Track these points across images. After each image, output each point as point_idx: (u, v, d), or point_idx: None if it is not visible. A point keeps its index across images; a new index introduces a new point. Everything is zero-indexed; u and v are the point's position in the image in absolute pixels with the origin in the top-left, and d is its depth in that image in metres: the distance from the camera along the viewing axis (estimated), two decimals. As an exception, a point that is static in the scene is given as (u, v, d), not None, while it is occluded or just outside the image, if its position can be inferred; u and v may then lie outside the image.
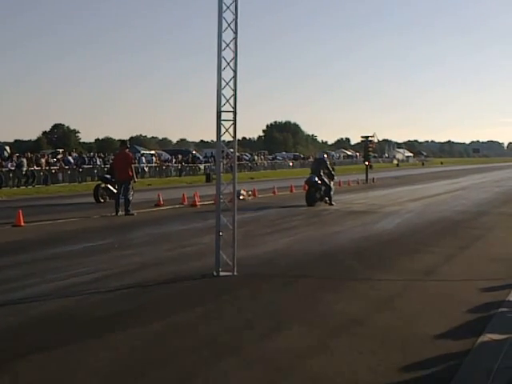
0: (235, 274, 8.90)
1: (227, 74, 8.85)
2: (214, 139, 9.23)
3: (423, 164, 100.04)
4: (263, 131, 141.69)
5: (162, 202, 20.68)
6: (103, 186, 21.38)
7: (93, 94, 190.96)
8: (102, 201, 21.29)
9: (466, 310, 7.00)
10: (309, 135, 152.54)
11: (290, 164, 71.20)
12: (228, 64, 8.85)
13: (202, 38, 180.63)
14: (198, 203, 20.48)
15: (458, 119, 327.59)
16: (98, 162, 40.99)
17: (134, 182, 18.68)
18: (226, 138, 9.12)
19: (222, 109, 8.86)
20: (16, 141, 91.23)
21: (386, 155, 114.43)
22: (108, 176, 21.12)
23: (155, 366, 5.15)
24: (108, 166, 31.44)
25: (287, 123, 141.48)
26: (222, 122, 8.91)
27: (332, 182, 21.29)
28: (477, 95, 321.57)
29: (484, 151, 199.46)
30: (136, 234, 13.87)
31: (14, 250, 11.28)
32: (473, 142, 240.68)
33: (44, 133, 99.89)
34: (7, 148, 45.81)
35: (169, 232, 14.21)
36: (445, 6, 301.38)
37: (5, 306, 7.22)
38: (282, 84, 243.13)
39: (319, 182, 20.59)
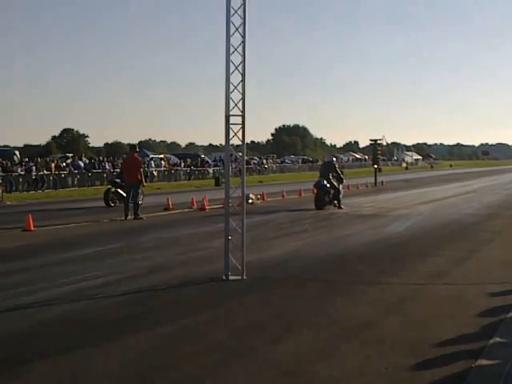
0: (244, 277, 8.89)
1: (235, 78, 8.89)
2: (223, 143, 9.25)
3: (432, 167, 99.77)
4: (272, 135, 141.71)
5: (171, 206, 20.71)
6: (113, 190, 21.48)
7: (102, 98, 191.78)
8: (113, 205, 21.39)
9: (476, 313, 6.96)
10: (317, 138, 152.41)
11: (299, 167, 71.16)
12: (236, 68, 8.87)
13: (211, 42, 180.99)
14: (206, 207, 20.52)
15: (467, 121, 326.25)
16: (107, 167, 41.16)
17: (143, 186, 18.74)
18: (235, 141, 9.15)
19: (231, 113, 8.88)
20: (26, 145, 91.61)
21: (395, 158, 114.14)
22: (118, 180, 21.20)
23: (164, 370, 5.15)
24: (117, 170, 31.59)
25: (295, 126, 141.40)
26: (231, 125, 8.93)
27: (341, 186, 21.25)
28: (486, 97, 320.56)
29: (493, 154, 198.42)
30: (145, 238, 13.89)
31: (24, 255, 11.32)
32: (482, 144, 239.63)
33: (53, 137, 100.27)
34: (17, 153, 46.05)
35: (178, 236, 14.24)
36: (452, 3, 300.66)
37: (15, 310, 7.26)
38: (291, 87, 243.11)
39: (328, 185, 20.56)
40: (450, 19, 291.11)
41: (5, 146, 57.10)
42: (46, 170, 35.62)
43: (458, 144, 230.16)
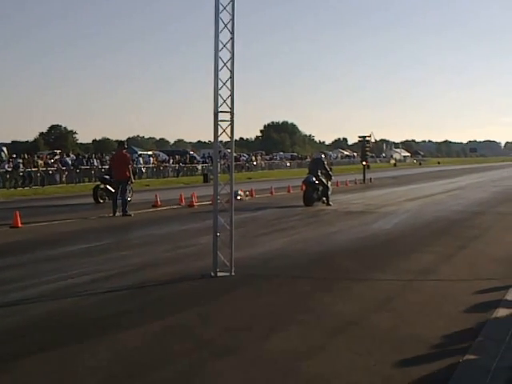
0: (233, 274, 8.89)
1: (224, 75, 8.86)
2: (212, 140, 9.23)
3: (420, 164, 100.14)
4: (260, 131, 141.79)
5: (159, 203, 20.67)
6: (102, 186, 21.42)
7: (90, 94, 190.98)
8: (102, 201, 21.35)
9: (463, 310, 7.01)
10: (306, 135, 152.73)
11: (288, 164, 71.21)
12: (225, 64, 8.85)
13: (199, 38, 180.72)
14: (195, 204, 20.48)
15: (455, 118, 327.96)
16: (96, 163, 40.97)
17: (132, 182, 18.68)
18: (224, 138, 9.12)
19: (220, 109, 8.86)
20: (13, 142, 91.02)
21: (384, 155, 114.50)
22: (107, 177, 21.11)
23: (153, 367, 5.15)
24: (106, 166, 31.47)
25: (284, 123, 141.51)
26: (220, 122, 8.91)
27: (329, 182, 21.29)
28: (474, 94, 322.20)
29: (481, 151, 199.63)
30: (133, 235, 13.87)
31: (12, 251, 11.26)
32: (470, 141, 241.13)
33: (41, 134, 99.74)
34: (4, 149, 45.80)
35: (166, 233, 14.21)
36: (436, 1, 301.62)
37: (3, 307, 7.22)
38: (280, 84, 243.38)
39: (317, 182, 20.59)
40: (442, 22, 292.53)
41: (-8, 143, 56.75)
42: (34, 167, 35.39)
43: (446, 141, 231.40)
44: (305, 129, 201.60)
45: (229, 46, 8.83)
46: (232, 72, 8.87)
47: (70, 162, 39.31)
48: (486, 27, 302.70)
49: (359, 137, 38.24)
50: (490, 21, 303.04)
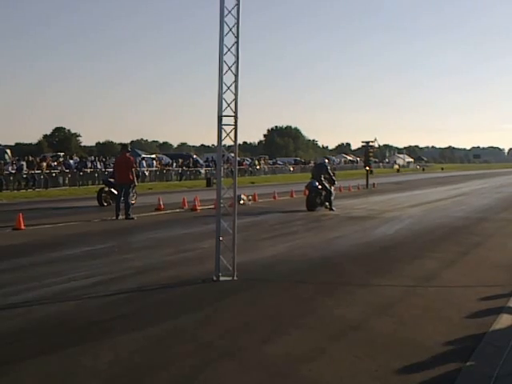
0: (235, 278, 8.89)
1: (228, 79, 8.88)
2: (215, 143, 9.23)
3: (424, 169, 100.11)
4: (264, 136, 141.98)
5: (162, 206, 20.69)
6: (107, 189, 21.47)
7: (94, 97, 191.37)
8: (106, 204, 21.41)
9: (465, 316, 6.99)
10: (309, 140, 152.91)
11: (291, 169, 71.20)
12: (229, 68, 8.86)
13: (205, 43, 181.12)
14: (198, 207, 20.49)
15: (459, 124, 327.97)
16: (99, 166, 41.03)
17: (135, 185, 18.69)
18: (227, 142, 9.13)
19: (223, 113, 8.86)
20: (17, 144, 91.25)
21: (387, 160, 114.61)
22: (112, 180, 21.15)
23: (154, 370, 5.14)
24: (110, 169, 31.53)
25: (288, 128, 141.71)
26: (223, 126, 8.91)
27: (333, 187, 21.27)
28: (478, 100, 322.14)
29: (485, 157, 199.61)
30: (136, 238, 13.86)
31: (14, 254, 11.27)
32: (473, 147, 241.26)
33: (45, 136, 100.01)
34: (8, 151, 45.90)
35: (169, 236, 14.21)
36: (443, 3, 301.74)
37: (5, 309, 7.22)
38: (284, 89, 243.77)
39: (320, 186, 20.58)
40: (444, 26, 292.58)
41: (-4, 145, 56.88)
42: (37, 169, 35.45)
43: (450, 147, 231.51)
44: (308, 133, 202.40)
45: (233, 50, 8.84)
46: (236, 76, 8.88)
47: (73, 165, 39.39)
48: (489, 33, 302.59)
49: (363, 142, 38.29)
50: (495, 26, 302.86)
